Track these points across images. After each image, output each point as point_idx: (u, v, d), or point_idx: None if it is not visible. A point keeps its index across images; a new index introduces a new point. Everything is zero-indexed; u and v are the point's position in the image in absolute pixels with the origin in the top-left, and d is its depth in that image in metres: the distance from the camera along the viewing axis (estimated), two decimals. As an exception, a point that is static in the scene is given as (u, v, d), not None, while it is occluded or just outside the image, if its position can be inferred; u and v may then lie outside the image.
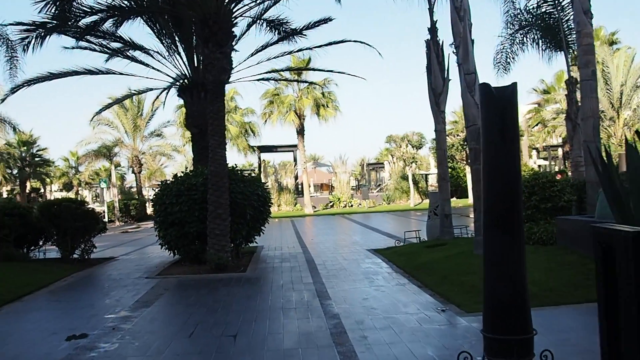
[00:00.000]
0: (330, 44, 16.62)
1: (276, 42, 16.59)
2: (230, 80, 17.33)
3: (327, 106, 42.26)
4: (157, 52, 17.20)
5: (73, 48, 16.56)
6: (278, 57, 17.06)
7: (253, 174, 18.67)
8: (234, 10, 13.75)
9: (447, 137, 49.55)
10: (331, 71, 18.89)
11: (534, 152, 65.14)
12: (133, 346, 7.07)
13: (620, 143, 31.23)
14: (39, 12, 12.40)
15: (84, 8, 12.58)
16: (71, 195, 64.02)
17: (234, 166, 15.47)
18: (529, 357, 4.64)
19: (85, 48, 16.68)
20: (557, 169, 48.36)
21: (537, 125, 55.26)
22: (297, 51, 16.98)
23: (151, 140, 45.58)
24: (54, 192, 73.03)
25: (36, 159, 51.68)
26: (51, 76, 15.82)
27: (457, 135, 41.68)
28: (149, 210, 39.84)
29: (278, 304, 9.28)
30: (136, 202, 42.03)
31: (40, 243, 16.03)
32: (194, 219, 13.66)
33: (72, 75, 16.11)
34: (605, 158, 5.82)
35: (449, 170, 42.47)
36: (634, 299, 3.28)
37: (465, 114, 12.25)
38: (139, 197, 44.44)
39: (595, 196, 10.59)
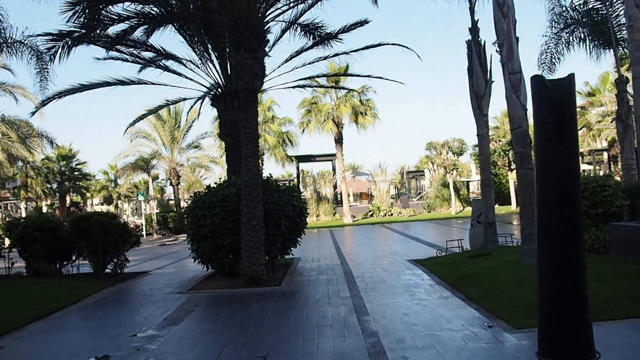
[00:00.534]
0: (367, 47, 16.08)
1: (311, 47, 16.13)
2: (263, 88, 16.98)
3: (366, 114, 41.66)
4: (190, 61, 16.92)
5: (105, 59, 16.44)
6: (313, 62, 16.61)
7: (292, 184, 18.30)
8: (266, 14, 13.35)
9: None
10: (369, 76, 18.10)
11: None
12: (156, 369, 6.63)
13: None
14: (67, 21, 12.17)
15: (112, 16, 12.31)
16: (111, 208, 64.68)
17: (269, 176, 15.03)
18: (592, 383, 4.04)
19: (117, 58, 16.49)
20: (601, 173, 46.81)
21: (581, 129, 53.74)
22: (333, 56, 16.48)
23: (189, 152, 45.75)
24: (95, 205, 73.96)
25: (75, 173, 52.23)
26: (82, 87, 15.64)
27: (499, 140, 40.68)
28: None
29: (313, 321, 8.75)
30: (174, 214, 42.02)
31: (73, 258, 15.81)
32: (227, 231, 13.24)
33: (103, 87, 15.88)
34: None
35: (494, 174, 41.88)
36: None
37: (510, 116, 11.58)
38: (176, 210, 44.47)
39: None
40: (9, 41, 15.05)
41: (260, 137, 42.10)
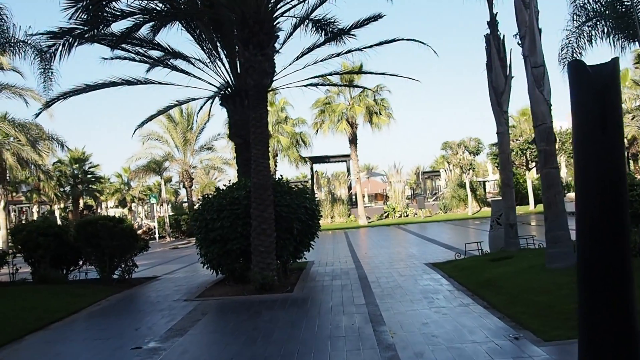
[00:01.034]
0: (381, 43, 15.48)
1: (323, 44, 15.55)
2: (274, 87, 16.48)
3: (380, 114, 41.00)
4: (199, 60, 16.42)
5: (112, 59, 16.02)
6: (326, 59, 16.04)
7: (306, 186, 17.74)
8: (275, 8, 12.80)
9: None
10: (383, 74, 17.46)
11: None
12: (154, 387, 6.11)
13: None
14: (69, 18, 11.70)
15: (115, 12, 11.83)
16: (125, 211, 64.49)
17: (280, 177, 14.51)
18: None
19: (124, 58, 16.06)
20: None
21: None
22: (346, 52, 15.87)
23: (202, 154, 45.27)
24: (110, 208, 73.88)
25: (88, 176, 51.98)
26: (88, 88, 15.20)
27: (516, 139, 39.84)
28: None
29: (325, 332, 8.20)
30: (187, 217, 41.61)
31: (80, 263, 15.39)
32: (236, 235, 12.73)
33: (109, 87, 15.43)
34: None
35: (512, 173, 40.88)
36: None
37: (533, 112, 10.95)
38: (189, 212, 44.08)
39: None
40: (12, 41, 14.64)
41: (274, 138, 41.98)
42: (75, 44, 12.77)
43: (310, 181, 49.45)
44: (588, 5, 16.20)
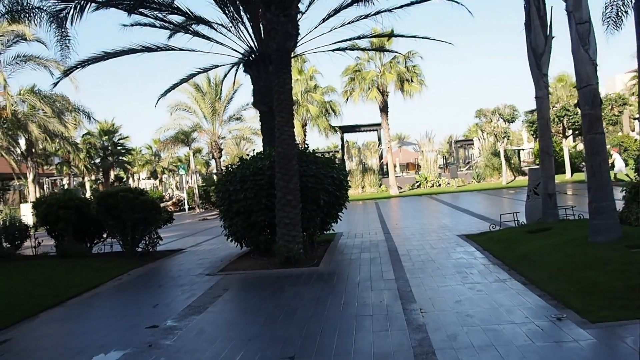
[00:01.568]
0: (412, 3, 14.68)
1: (351, 4, 14.75)
2: (300, 52, 15.81)
3: (412, 81, 39.87)
4: (221, 25, 15.75)
5: (131, 25, 15.45)
6: (354, 21, 15.30)
7: (335, 156, 17.13)
8: (298, -36, 12.10)
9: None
10: (414, 37, 16.65)
11: (636, 123, 60.53)
12: (164, 373, 5.67)
13: None
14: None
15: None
16: (157, 183, 64.67)
17: (306, 147, 13.93)
18: None
19: (144, 24, 15.47)
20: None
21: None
22: (375, 14, 15.04)
23: (230, 124, 44.62)
24: (142, 180, 74.33)
25: (118, 148, 52.05)
26: (106, 55, 14.71)
27: (553, 106, 38.49)
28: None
29: (351, 310, 7.66)
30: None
31: (105, 236, 15.09)
32: (261, 207, 12.24)
33: (128, 54, 14.93)
34: None
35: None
36: None
37: (577, 73, 10.10)
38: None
39: None
40: (27, 7, 14.16)
41: (302, 106, 41.38)
42: (88, 6, 12.24)
43: (340, 151, 48.82)
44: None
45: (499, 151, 40.62)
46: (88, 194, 42.99)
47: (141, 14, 14.28)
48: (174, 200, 43.56)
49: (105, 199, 13.89)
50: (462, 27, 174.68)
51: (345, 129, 47.74)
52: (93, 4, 12.46)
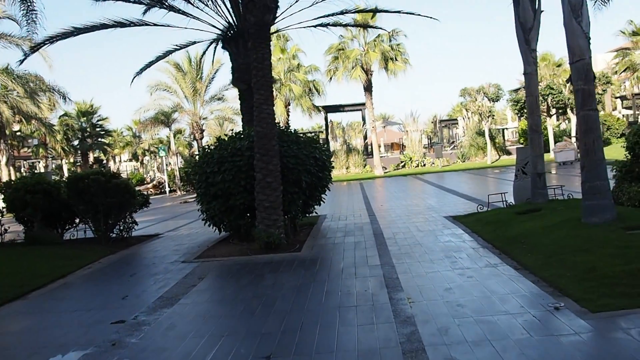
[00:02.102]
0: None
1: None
2: (280, 27, 15.21)
3: (396, 59, 39.34)
4: (199, 0, 15.09)
5: (103, 0, 14.82)
6: (336, -7, 14.78)
7: (319, 136, 16.57)
8: None
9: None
10: (399, 12, 16.11)
11: (618, 102, 60.56)
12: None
13: None
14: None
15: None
16: (137, 165, 63.66)
17: (287, 126, 13.37)
18: None
19: (117, -1, 14.85)
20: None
21: (624, 71, 50.80)
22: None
23: (212, 104, 43.67)
24: (124, 162, 73.21)
25: (97, 129, 50.90)
26: (76, 31, 14.01)
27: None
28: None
29: (334, 300, 7.16)
30: (196, 170, 40.49)
31: (77, 221, 14.43)
32: (239, 189, 11.69)
33: (100, 29, 14.24)
34: None
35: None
36: None
37: (569, 47, 9.59)
38: (199, 165, 42.79)
39: None
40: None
41: (285, 86, 40.67)
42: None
43: (324, 131, 48.24)
44: None
45: (484, 130, 40.25)
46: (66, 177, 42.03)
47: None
48: (154, 182, 42.82)
49: (76, 182, 13.18)
50: (447, 8, 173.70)
51: (329, 109, 47.12)
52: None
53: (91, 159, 53.11)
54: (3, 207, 14.07)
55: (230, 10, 14.86)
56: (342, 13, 16.00)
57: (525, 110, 36.87)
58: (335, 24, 17.11)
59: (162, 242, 13.93)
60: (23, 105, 28.17)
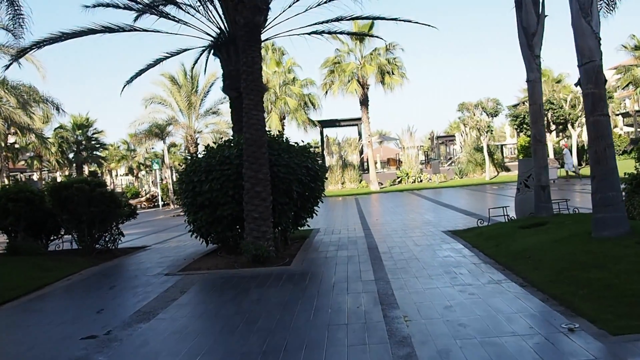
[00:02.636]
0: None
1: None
2: (273, 34, 14.69)
3: (393, 73, 38.92)
4: (190, 5, 14.54)
5: (94, 6, 14.38)
6: (330, 0, 14.23)
7: (316, 151, 16.00)
8: None
9: (525, 102, 45.41)
10: (396, 19, 15.58)
11: (619, 118, 60.27)
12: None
13: None
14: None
15: None
16: (132, 179, 62.93)
17: (278, 134, 12.75)
18: None
19: (107, 5, 14.36)
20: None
21: (626, 86, 50.48)
22: (352, -8, 14.03)
23: (207, 118, 42.94)
24: (120, 175, 72.48)
25: (92, 142, 50.22)
26: (64, 36, 13.44)
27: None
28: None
29: (323, 318, 6.47)
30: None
31: (63, 232, 13.77)
32: (228, 199, 11.05)
33: (88, 34, 13.72)
34: None
35: (528, 137, 38.81)
36: None
37: (578, 48, 8.98)
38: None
39: None
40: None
41: (281, 99, 40.16)
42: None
43: (320, 146, 47.67)
44: None
45: (482, 146, 39.67)
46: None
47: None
48: (147, 196, 42.10)
49: (59, 191, 12.52)
50: (445, 19, 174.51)
51: (325, 124, 46.54)
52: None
53: (86, 172, 52.37)
54: None
55: (222, 15, 14.30)
56: (337, 20, 15.45)
57: (525, 126, 36.36)
58: (330, 32, 16.54)
59: (148, 255, 13.26)
60: (16, 116, 27.49)
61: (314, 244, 12.87)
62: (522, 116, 37.56)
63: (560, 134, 42.63)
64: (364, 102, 39.53)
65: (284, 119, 41.42)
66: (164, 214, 32.13)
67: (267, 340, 5.71)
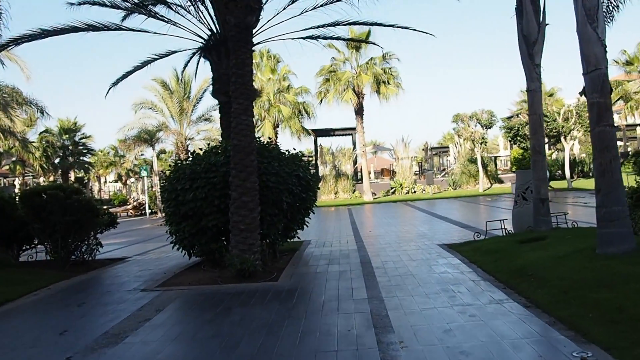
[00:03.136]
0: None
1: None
2: (265, 38, 14.20)
3: (388, 83, 38.46)
4: (180, 6, 14.03)
5: (79, 4, 13.87)
6: (327, 4, 13.80)
7: (310, 161, 15.52)
8: None
9: (519, 115, 45.10)
10: (393, 26, 15.16)
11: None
12: None
13: None
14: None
15: None
16: (120, 185, 62.10)
17: (268, 141, 12.24)
18: None
19: (93, 3, 13.87)
20: (631, 150, 43.40)
21: (617, 100, 50.16)
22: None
23: (199, 125, 42.29)
24: (110, 182, 71.61)
25: (79, 148, 49.32)
26: (44, 33, 12.89)
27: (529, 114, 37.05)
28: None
29: (311, 344, 5.92)
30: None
31: (36, 242, 13.08)
32: (213, 209, 10.50)
33: (70, 32, 13.16)
34: None
35: (525, 149, 38.48)
36: None
37: (584, 55, 8.53)
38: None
39: None
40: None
41: (275, 107, 39.67)
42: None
43: (314, 155, 47.18)
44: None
45: (476, 157, 39.29)
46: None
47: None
48: (134, 204, 41.40)
49: (31, 198, 11.83)
50: (443, 27, 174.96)
51: (319, 133, 46.08)
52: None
53: (72, 178, 51.48)
54: None
55: (214, 17, 13.79)
56: (334, 25, 14.95)
57: (519, 138, 35.99)
58: (326, 37, 16.08)
59: (126, 267, 12.61)
60: (-2, 118, 26.93)
61: (304, 257, 12.32)
62: (517, 128, 37.21)
63: (552, 147, 42.29)
64: (359, 111, 39.09)
65: (278, 127, 40.93)
66: (151, 222, 31.50)
67: (248, 368, 5.17)
